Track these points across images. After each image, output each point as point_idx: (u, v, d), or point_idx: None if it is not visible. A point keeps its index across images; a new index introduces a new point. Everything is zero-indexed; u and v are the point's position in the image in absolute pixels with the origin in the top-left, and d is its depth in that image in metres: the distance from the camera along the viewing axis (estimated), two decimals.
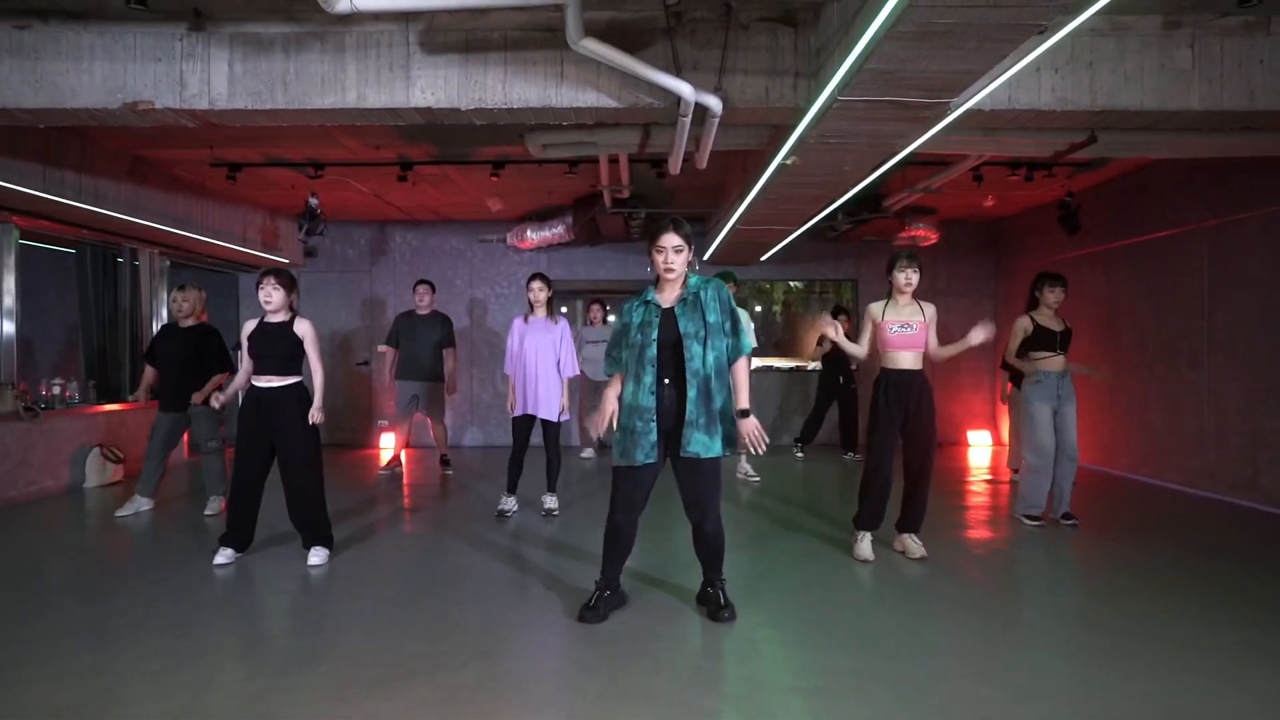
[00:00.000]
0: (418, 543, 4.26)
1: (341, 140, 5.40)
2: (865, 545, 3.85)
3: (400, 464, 6.71)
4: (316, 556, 3.76)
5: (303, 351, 3.74)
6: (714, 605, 2.96)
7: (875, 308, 3.86)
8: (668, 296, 2.89)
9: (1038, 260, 8.00)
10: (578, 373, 4.81)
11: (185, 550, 4.04)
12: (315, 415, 3.71)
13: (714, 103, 3.35)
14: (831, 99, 3.14)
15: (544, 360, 4.68)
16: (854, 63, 2.77)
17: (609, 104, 3.47)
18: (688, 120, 3.53)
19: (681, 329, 2.79)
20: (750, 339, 3.13)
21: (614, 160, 5.80)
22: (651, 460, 2.80)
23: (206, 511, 4.87)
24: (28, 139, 4.74)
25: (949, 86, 2.93)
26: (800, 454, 7.49)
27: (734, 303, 2.94)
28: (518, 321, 4.83)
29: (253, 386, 3.69)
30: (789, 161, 4.04)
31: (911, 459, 3.78)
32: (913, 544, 3.85)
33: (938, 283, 8.88)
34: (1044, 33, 2.93)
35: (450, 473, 6.61)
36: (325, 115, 3.59)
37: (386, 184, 6.58)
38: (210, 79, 3.47)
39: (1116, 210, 6.72)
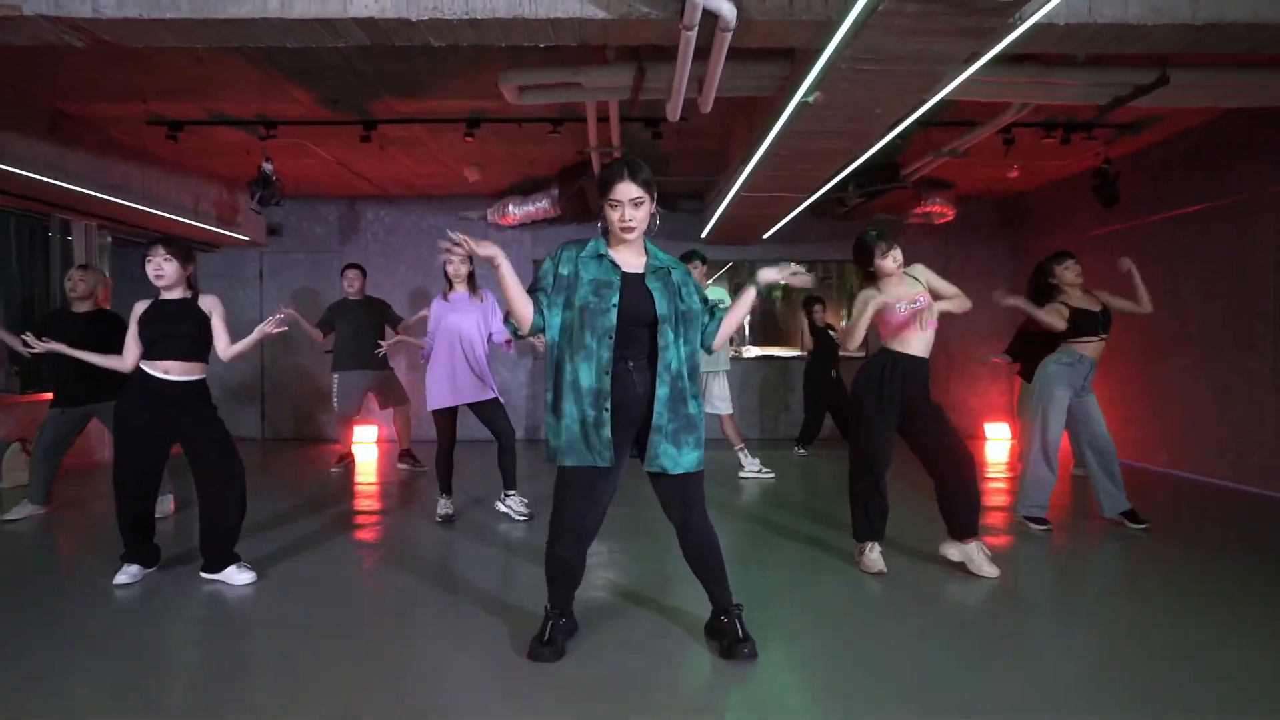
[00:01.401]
0: (363, 556, 3.61)
1: (291, 91, 4.71)
2: (874, 555, 3.24)
3: (352, 459, 6.10)
4: (245, 575, 3.11)
5: (209, 333, 3.12)
6: (730, 639, 2.35)
7: (872, 297, 3.20)
8: (628, 259, 2.30)
9: (1064, 239, 7.36)
10: (507, 338, 4.06)
11: (77, 568, 3.38)
12: (255, 335, 3.10)
13: (727, 8, 2.67)
14: (874, 2, 2.49)
15: (470, 341, 4.09)
16: None
17: (595, 14, 2.80)
18: (693, 35, 2.86)
19: (659, 309, 2.24)
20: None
21: (603, 120, 5.14)
22: (605, 464, 2.20)
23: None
24: None
25: None
26: (803, 452, 6.84)
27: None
28: (437, 302, 4.27)
29: (147, 376, 3.01)
30: (811, 98, 3.38)
31: (940, 460, 3.17)
32: (978, 555, 3.16)
33: (951, 264, 8.23)
34: None
35: (406, 467, 5.97)
36: (243, 31, 2.90)
37: (350, 148, 5.87)
38: None
39: (1158, 180, 6.09)
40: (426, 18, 2.81)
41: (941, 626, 2.66)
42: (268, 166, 5.75)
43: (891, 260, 3.18)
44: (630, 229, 2.22)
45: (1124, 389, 6.27)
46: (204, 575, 3.12)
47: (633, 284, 2.26)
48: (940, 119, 5.18)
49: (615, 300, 2.21)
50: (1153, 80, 3.75)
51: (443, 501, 4.22)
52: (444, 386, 4.10)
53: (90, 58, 3.60)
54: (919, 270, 3.28)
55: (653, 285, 2.26)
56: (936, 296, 3.23)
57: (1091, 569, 3.48)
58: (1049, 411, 3.95)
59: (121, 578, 3.05)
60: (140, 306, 3.10)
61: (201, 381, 3.12)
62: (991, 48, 3.01)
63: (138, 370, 3.04)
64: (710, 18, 2.78)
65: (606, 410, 2.18)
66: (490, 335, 4.21)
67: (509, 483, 4.27)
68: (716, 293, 5.06)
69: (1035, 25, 2.79)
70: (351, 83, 4.59)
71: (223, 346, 3.11)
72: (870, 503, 3.24)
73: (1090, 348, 3.97)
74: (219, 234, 7.17)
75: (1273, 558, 3.46)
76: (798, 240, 7.99)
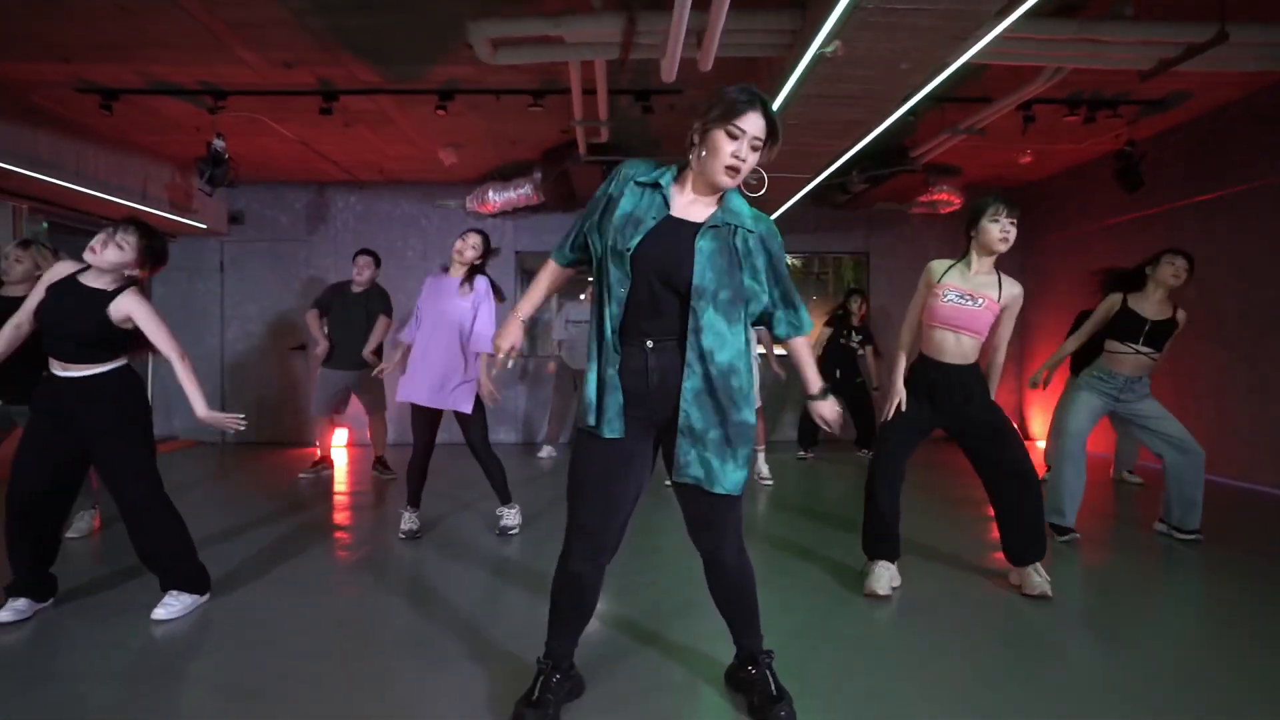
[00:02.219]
0: (321, 580, 3.09)
1: (238, 51, 4.18)
2: (880, 576, 2.83)
3: (329, 465, 5.58)
4: (163, 609, 2.60)
5: (122, 335, 2.57)
6: (762, 696, 1.91)
7: (937, 265, 2.85)
8: (691, 204, 1.82)
9: (1076, 228, 7.00)
10: (486, 350, 3.58)
11: None
12: (207, 417, 2.54)
13: None
14: None
15: (441, 332, 3.58)
16: None
17: None
18: None
19: (697, 273, 1.73)
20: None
21: (589, 92, 4.66)
22: (613, 434, 1.78)
23: (70, 534, 3.63)
24: None
25: None
26: (805, 455, 6.36)
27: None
28: (431, 276, 3.85)
29: (49, 374, 2.55)
30: (830, 49, 2.91)
31: (996, 477, 2.82)
32: (1037, 577, 2.78)
33: (957, 254, 7.84)
34: None
35: (389, 477, 5.43)
36: None
37: (311, 123, 5.35)
38: None
39: (1185, 162, 5.70)
40: None
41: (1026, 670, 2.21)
42: (219, 143, 5.21)
43: (998, 230, 2.66)
44: (737, 170, 1.74)
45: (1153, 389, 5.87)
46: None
47: (674, 233, 1.76)
48: (957, 94, 4.76)
49: (634, 243, 1.74)
50: (1210, 37, 3.31)
51: (407, 515, 3.73)
52: (406, 379, 3.63)
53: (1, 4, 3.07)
54: (1011, 287, 2.78)
55: (705, 240, 1.76)
56: (997, 324, 2.80)
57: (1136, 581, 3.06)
58: (1072, 410, 3.67)
59: (5, 615, 2.52)
60: (54, 273, 2.56)
61: (113, 373, 2.57)
62: None
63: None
64: None
65: (615, 370, 1.77)
66: (465, 336, 3.63)
67: (502, 498, 3.82)
68: None
69: None
70: (307, 45, 4.07)
71: (169, 354, 2.57)
72: (876, 515, 2.85)
73: (1124, 361, 3.58)
74: (174, 221, 6.59)
75: None
76: (795, 229, 7.54)
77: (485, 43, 3.50)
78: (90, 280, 2.53)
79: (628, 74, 4.51)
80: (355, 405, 5.60)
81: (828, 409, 1.96)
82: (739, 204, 1.85)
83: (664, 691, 2.05)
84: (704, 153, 1.76)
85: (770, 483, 5.10)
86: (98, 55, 4.23)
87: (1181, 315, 3.62)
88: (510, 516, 3.82)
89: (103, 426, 2.53)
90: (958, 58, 3.30)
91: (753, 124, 1.73)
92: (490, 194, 6.77)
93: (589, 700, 1.99)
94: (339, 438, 6.92)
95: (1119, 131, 5.62)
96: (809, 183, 5.39)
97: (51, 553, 2.65)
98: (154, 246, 2.61)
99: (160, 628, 2.52)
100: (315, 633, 2.51)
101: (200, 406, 2.53)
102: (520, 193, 6.68)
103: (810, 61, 3.07)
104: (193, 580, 2.71)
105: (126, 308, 2.51)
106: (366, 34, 3.99)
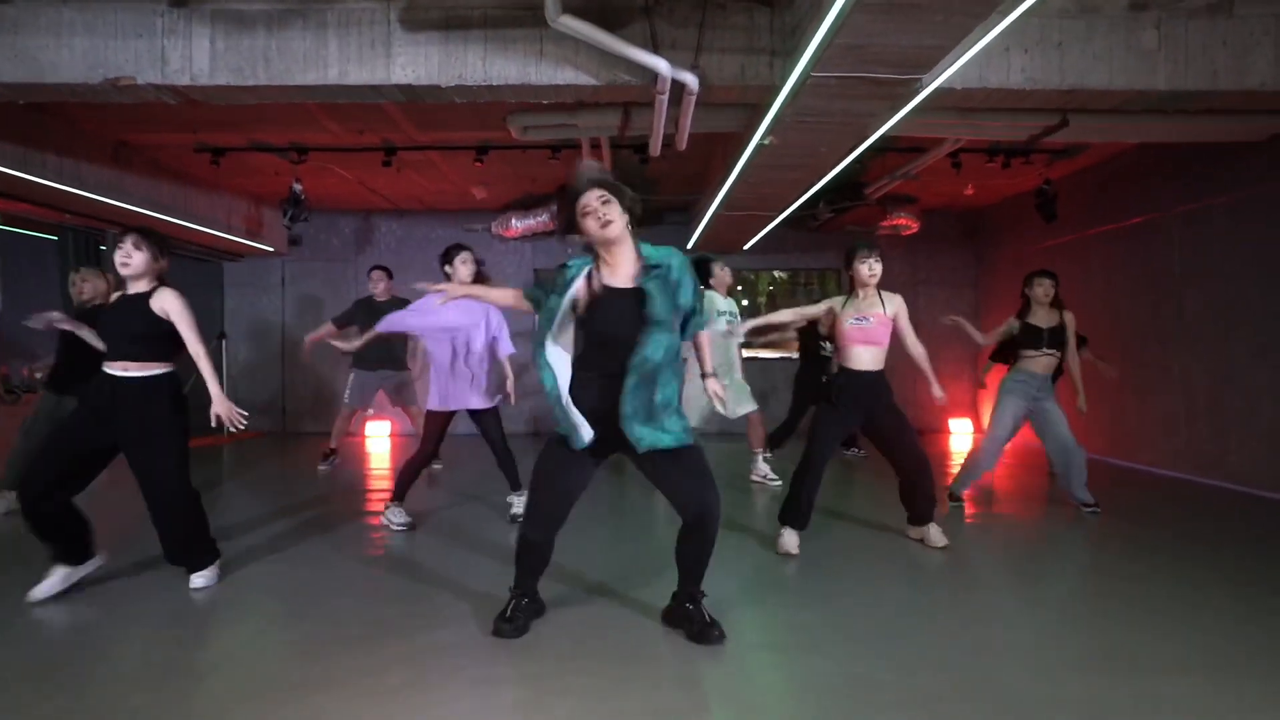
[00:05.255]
0: (338, 564, 3.43)
1: (324, 123, 5.42)
2: (791, 538, 3.53)
3: (335, 456, 6.21)
4: (201, 578, 3.01)
5: (166, 332, 2.87)
6: (700, 624, 2.46)
7: (836, 301, 3.64)
8: (621, 270, 2.35)
9: (1018, 250, 8.11)
10: (514, 351, 4.08)
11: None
12: (221, 408, 2.85)
13: (690, 80, 3.40)
14: (805, 74, 3.21)
15: (467, 342, 3.86)
16: (825, 35, 2.83)
17: (588, 81, 3.52)
18: (665, 98, 3.59)
19: (655, 314, 2.26)
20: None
21: (596, 145, 5.85)
22: (584, 444, 2.30)
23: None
24: (7, 119, 4.73)
25: (919, 61, 3.00)
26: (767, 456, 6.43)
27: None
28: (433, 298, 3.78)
29: (104, 373, 2.86)
30: (766, 141, 4.11)
31: (901, 460, 3.59)
32: (935, 533, 3.63)
33: (919, 273, 8.99)
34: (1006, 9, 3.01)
35: (438, 466, 6.24)
36: (307, 92, 3.62)
37: (370, 169, 6.59)
38: (192, 55, 3.49)
39: (1092, 198, 6.84)
40: (453, 84, 3.54)
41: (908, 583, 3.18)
42: (298, 187, 6.46)
43: (866, 269, 3.45)
44: (611, 223, 2.25)
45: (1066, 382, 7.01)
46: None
47: (621, 301, 2.29)
48: (894, 145, 5.89)
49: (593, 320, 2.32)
50: (1056, 123, 4.47)
51: (397, 512, 3.95)
52: (435, 389, 3.88)
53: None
54: (893, 301, 3.52)
55: (652, 291, 2.26)
56: (898, 330, 3.54)
57: (1030, 540, 4.09)
58: (998, 415, 4.38)
59: (43, 588, 2.81)
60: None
61: (164, 376, 2.87)
62: (903, 107, 3.74)
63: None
64: (678, 84, 3.50)
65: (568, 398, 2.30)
66: (495, 341, 3.99)
67: (513, 484, 4.16)
68: (729, 304, 5.14)
69: (936, 90, 3.53)
70: (377, 119, 5.31)
71: (195, 351, 2.89)
72: (802, 493, 3.50)
73: (1037, 363, 4.33)
74: (246, 245, 7.87)
75: (1185, 529, 4.15)
76: (777, 250, 8.73)
77: (517, 128, 4.73)
78: (133, 289, 2.90)
79: (626, 139, 5.71)
80: (382, 398, 6.21)
81: (714, 384, 2.55)
82: (648, 251, 2.36)
83: (629, 623, 2.62)
84: (586, 234, 2.32)
85: (778, 482, 5.19)
86: (217, 128, 5.49)
87: (1069, 317, 4.39)
88: (519, 502, 4.07)
89: (147, 426, 2.81)
90: (864, 143, 4.49)
91: (588, 197, 2.28)
92: (513, 221, 8.01)
93: (571, 620, 2.61)
94: (383, 428, 8.13)
95: (1040, 171, 6.74)
96: (775, 218, 6.57)
97: (73, 522, 2.88)
98: (153, 238, 2.91)
99: (197, 594, 2.96)
100: (319, 632, 2.61)
101: (219, 397, 2.86)
102: (539, 220, 7.90)
103: (755, 147, 4.27)
104: (211, 553, 3.06)
105: (164, 301, 2.84)
106: (424, 113, 5.21)
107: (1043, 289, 4.42)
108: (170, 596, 2.93)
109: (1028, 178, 7.02)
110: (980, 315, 8.72)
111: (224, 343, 8.41)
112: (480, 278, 3.87)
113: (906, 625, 2.66)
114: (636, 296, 2.29)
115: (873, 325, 3.50)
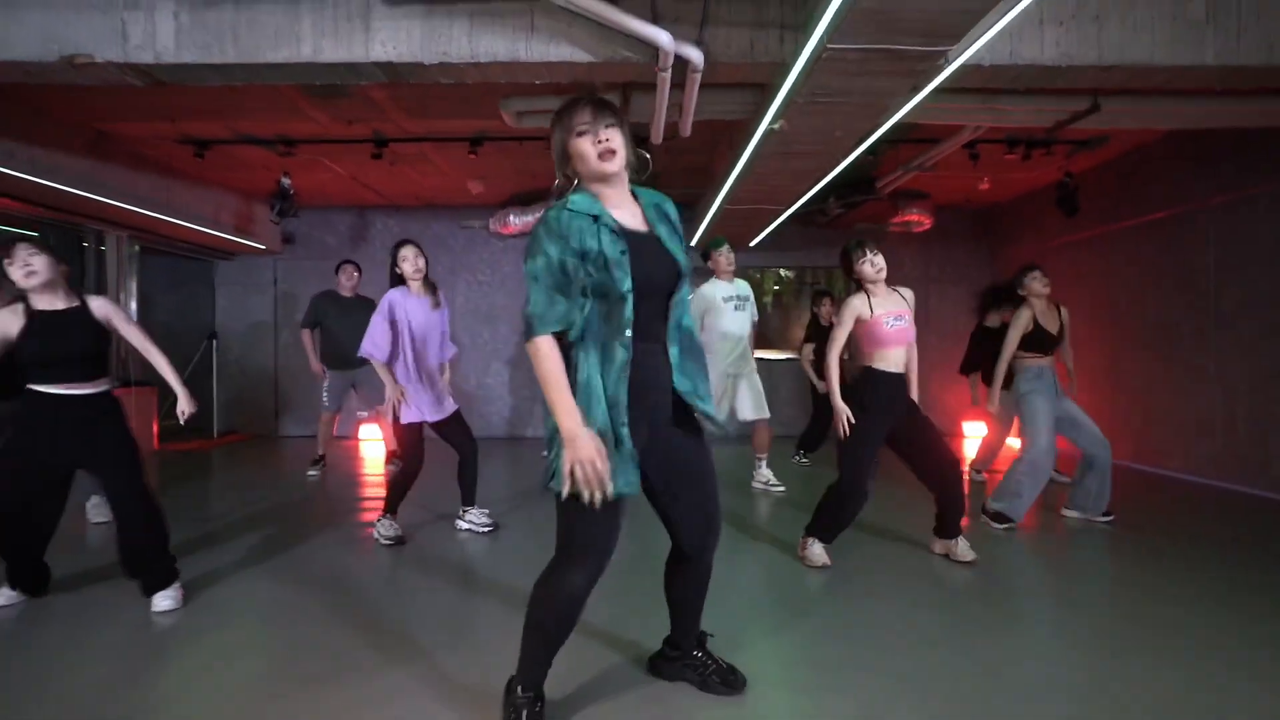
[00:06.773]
0: (310, 583, 3.11)
1: (309, 112, 5.15)
2: (819, 551, 3.36)
3: (324, 462, 5.93)
4: (167, 600, 2.80)
5: (108, 342, 2.74)
6: (719, 671, 2.14)
7: (859, 302, 3.27)
8: (626, 210, 1.85)
9: (1035, 246, 7.81)
10: (455, 350, 4.04)
11: None
12: (186, 406, 2.80)
13: (695, 54, 3.12)
14: (821, 46, 2.92)
15: (428, 350, 3.74)
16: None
17: (583, 58, 3.24)
18: (668, 76, 3.31)
19: (682, 263, 1.87)
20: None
21: None
22: (633, 490, 1.77)
23: None
24: None
25: (947, 30, 2.71)
26: (805, 460, 6.33)
27: None
28: (398, 294, 3.68)
29: (38, 394, 2.64)
30: (776, 125, 3.82)
31: (935, 466, 3.29)
32: (963, 547, 3.39)
33: (931, 269, 8.70)
34: None
35: (394, 469, 6.09)
36: (279, 71, 3.35)
37: (362, 164, 6.33)
38: (156, 30, 3.22)
39: (1116, 191, 6.53)
40: (436, 61, 3.26)
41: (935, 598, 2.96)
42: (286, 181, 6.21)
43: (870, 266, 3.23)
44: (612, 153, 1.76)
45: (1093, 384, 6.70)
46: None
47: (646, 245, 1.82)
48: (907, 137, 5.60)
49: (627, 279, 1.74)
50: (1086, 108, 4.17)
51: (387, 522, 3.76)
52: (420, 398, 3.69)
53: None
54: (909, 294, 3.37)
55: (664, 235, 1.86)
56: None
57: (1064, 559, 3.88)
58: (1038, 421, 3.98)
59: None
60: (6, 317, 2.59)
61: (109, 392, 2.77)
62: (927, 84, 3.45)
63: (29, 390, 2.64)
64: (682, 61, 3.22)
65: (624, 426, 1.75)
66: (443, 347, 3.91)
67: (469, 498, 3.97)
68: (742, 287, 4.99)
69: (963, 66, 3.23)
70: (364, 106, 5.04)
71: (148, 351, 2.80)
72: (847, 516, 3.28)
73: (1042, 359, 4.11)
74: (237, 243, 7.62)
75: (1220, 540, 3.87)
76: (785, 247, 8.44)
77: (511, 113, 4.44)
78: (47, 305, 2.64)
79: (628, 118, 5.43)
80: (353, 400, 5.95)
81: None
82: (639, 191, 1.91)
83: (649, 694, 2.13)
84: (579, 166, 1.80)
85: (781, 489, 5.08)
86: (200, 117, 5.23)
87: (1065, 313, 4.22)
88: (480, 515, 3.98)
89: (110, 441, 2.72)
90: (881, 127, 4.19)
91: (588, 114, 1.77)
92: (511, 217, 7.74)
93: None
94: (368, 431, 7.87)
95: (1060, 164, 6.44)
96: (783, 213, 6.27)
97: (38, 554, 2.86)
98: (42, 241, 2.75)
99: (161, 617, 2.73)
100: (283, 657, 2.43)
101: (185, 395, 2.81)
102: (537, 216, 7.62)
103: (764, 133, 3.98)
104: (171, 573, 2.85)
105: (105, 310, 2.73)
106: (414, 100, 4.94)
107: (1041, 282, 4.15)
108: (129, 618, 2.68)
109: (1046, 171, 6.72)
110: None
111: (214, 343, 8.18)
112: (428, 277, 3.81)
113: (940, 661, 2.37)
114: (655, 243, 1.86)
115: (907, 324, 3.31)
